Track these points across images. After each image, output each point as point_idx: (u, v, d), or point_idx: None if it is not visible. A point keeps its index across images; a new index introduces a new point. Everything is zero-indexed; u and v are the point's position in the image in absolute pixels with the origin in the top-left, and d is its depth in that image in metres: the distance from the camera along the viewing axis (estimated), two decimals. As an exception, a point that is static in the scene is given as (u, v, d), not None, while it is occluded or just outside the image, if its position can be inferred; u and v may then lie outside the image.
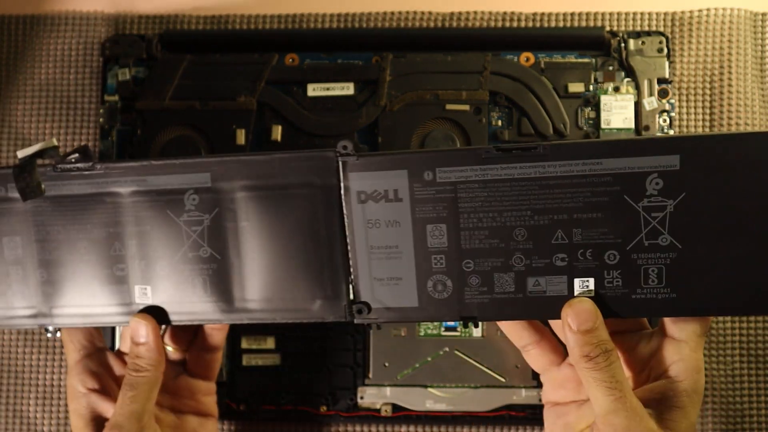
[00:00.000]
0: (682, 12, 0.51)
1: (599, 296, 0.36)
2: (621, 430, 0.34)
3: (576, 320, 0.35)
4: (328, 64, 0.50)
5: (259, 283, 0.39)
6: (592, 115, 0.48)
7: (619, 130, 0.48)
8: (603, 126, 0.48)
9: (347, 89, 0.49)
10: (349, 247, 0.38)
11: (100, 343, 0.43)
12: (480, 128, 0.47)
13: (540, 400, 0.47)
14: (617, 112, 0.48)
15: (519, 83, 0.48)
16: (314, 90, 0.49)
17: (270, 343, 0.49)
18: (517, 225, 0.36)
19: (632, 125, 0.48)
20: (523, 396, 0.47)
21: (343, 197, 0.37)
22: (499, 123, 0.48)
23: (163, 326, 0.41)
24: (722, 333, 0.49)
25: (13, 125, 0.52)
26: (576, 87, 0.48)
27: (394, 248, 0.37)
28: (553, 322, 0.40)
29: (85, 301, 0.40)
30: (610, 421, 0.34)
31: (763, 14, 0.51)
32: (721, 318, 0.49)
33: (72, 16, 0.53)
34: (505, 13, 0.51)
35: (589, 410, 0.38)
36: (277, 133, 0.48)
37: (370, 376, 0.48)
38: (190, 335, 0.44)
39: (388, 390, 0.48)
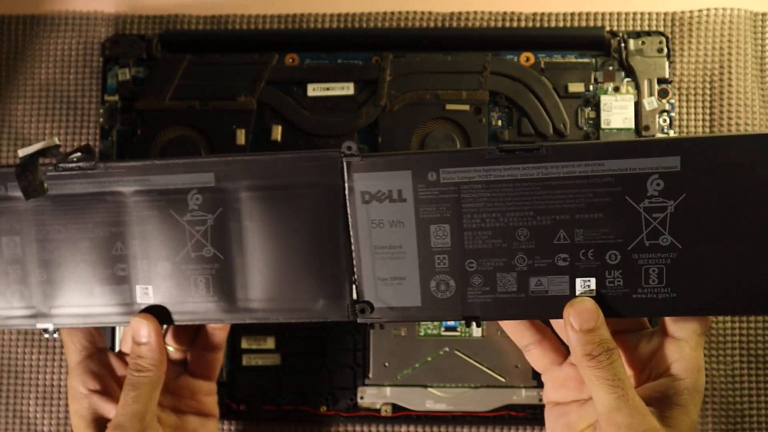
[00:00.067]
0: (682, 12, 0.51)
1: (600, 296, 0.36)
2: (624, 428, 0.34)
3: (578, 319, 0.35)
4: (328, 64, 0.49)
5: (262, 283, 0.39)
6: (592, 115, 0.48)
7: (619, 130, 0.48)
8: (603, 126, 0.48)
9: (347, 89, 0.49)
10: (352, 247, 0.38)
11: (100, 344, 0.43)
12: (480, 128, 0.47)
13: (540, 400, 0.47)
14: (617, 112, 0.48)
15: (519, 83, 0.48)
16: (314, 90, 0.49)
17: (270, 343, 0.49)
18: (520, 225, 0.36)
19: (632, 125, 0.48)
20: (523, 396, 0.47)
21: (347, 197, 0.37)
22: (499, 123, 0.48)
23: (164, 326, 0.41)
24: (722, 333, 0.49)
25: (13, 125, 0.52)
26: (576, 87, 0.48)
27: (397, 248, 0.37)
28: (554, 322, 0.40)
29: (86, 301, 0.40)
30: (613, 418, 0.34)
31: (763, 14, 0.51)
32: (721, 318, 0.49)
33: (72, 16, 0.53)
34: (505, 13, 0.51)
35: (591, 409, 0.39)
36: (277, 133, 0.48)
37: (370, 376, 0.48)
38: (191, 335, 0.44)
39: (388, 390, 0.48)
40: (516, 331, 0.40)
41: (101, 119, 0.49)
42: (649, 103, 0.48)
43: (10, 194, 0.40)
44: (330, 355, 0.49)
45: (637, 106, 0.48)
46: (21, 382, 0.51)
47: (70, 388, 0.41)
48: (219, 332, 0.44)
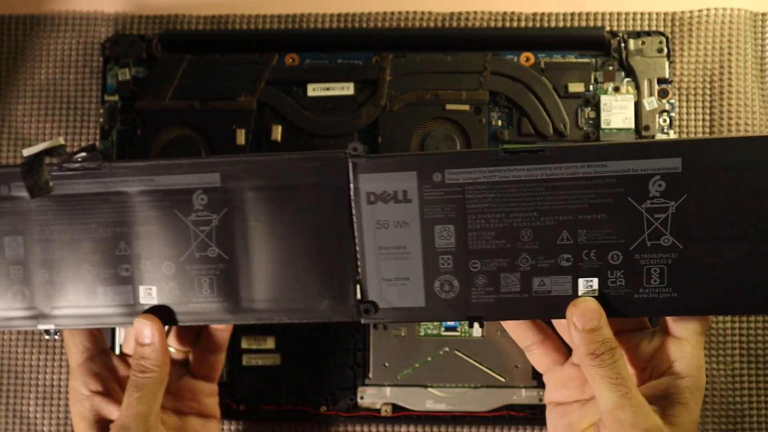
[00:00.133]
0: (682, 12, 0.51)
1: (603, 296, 0.37)
2: (628, 425, 0.34)
3: (581, 319, 0.36)
4: (328, 64, 0.49)
5: (266, 283, 0.39)
6: (592, 115, 0.48)
7: (619, 130, 0.48)
8: (603, 126, 0.48)
9: (347, 89, 0.49)
10: (357, 248, 0.38)
11: (103, 345, 0.42)
12: (480, 128, 0.47)
13: (540, 400, 0.47)
14: (617, 112, 0.48)
15: (519, 83, 0.48)
16: (314, 90, 0.49)
17: (270, 343, 0.49)
18: (524, 226, 0.37)
19: (632, 125, 0.48)
20: (523, 396, 0.47)
21: (352, 198, 0.38)
22: (499, 123, 0.48)
23: (167, 327, 0.40)
24: (722, 333, 0.49)
25: (13, 125, 0.52)
26: (576, 87, 0.48)
27: (402, 248, 0.38)
28: (557, 322, 0.40)
29: (88, 301, 0.40)
30: (617, 416, 0.35)
31: (763, 14, 0.51)
32: (721, 318, 0.49)
33: (72, 16, 0.53)
34: (505, 13, 0.51)
35: (592, 409, 0.39)
36: (277, 133, 0.48)
37: (370, 376, 0.48)
38: (194, 336, 0.44)
39: (388, 390, 0.48)
40: (519, 331, 0.40)
41: (101, 119, 0.49)
42: (649, 103, 0.48)
43: (14, 194, 0.40)
44: (330, 355, 0.48)
45: (637, 106, 0.48)
46: (21, 382, 0.51)
47: (72, 390, 0.41)
48: (221, 333, 0.43)
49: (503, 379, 0.47)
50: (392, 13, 0.51)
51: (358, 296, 0.38)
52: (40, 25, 0.53)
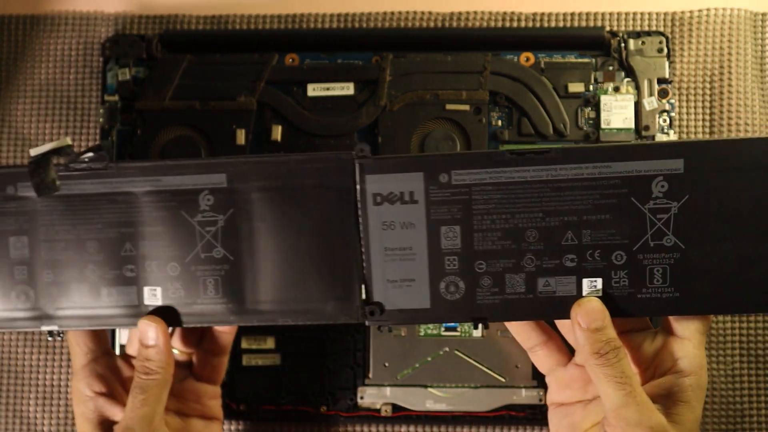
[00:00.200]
0: (682, 12, 0.50)
1: (607, 296, 0.37)
2: (633, 423, 0.35)
3: (586, 319, 0.36)
4: (328, 64, 0.49)
5: (271, 284, 0.38)
6: (592, 115, 0.48)
7: (619, 130, 0.48)
8: (603, 126, 0.48)
9: (347, 89, 0.49)
10: (363, 249, 0.38)
11: (106, 346, 0.42)
12: (480, 128, 0.47)
13: (540, 400, 0.47)
14: (617, 112, 0.48)
15: (519, 83, 0.48)
16: (314, 90, 0.49)
17: (270, 343, 0.49)
18: (529, 226, 0.37)
19: (632, 125, 0.47)
20: (523, 396, 0.47)
21: (359, 199, 0.37)
22: (499, 123, 0.48)
23: (171, 328, 0.40)
24: (722, 333, 0.49)
25: (13, 125, 0.52)
26: (576, 87, 0.48)
27: (407, 249, 0.38)
28: (560, 323, 0.40)
29: (93, 302, 0.39)
30: (621, 414, 0.35)
31: (763, 14, 0.51)
32: (721, 318, 0.49)
33: (72, 16, 0.53)
34: (505, 13, 0.51)
35: (595, 409, 0.39)
36: (277, 133, 0.48)
37: (370, 376, 0.48)
38: (197, 338, 0.44)
39: (388, 390, 0.48)
40: (523, 332, 0.40)
41: (101, 119, 0.49)
42: (649, 103, 0.48)
43: (20, 194, 0.39)
44: (330, 355, 0.48)
45: (637, 106, 0.48)
46: (21, 382, 0.51)
47: (75, 391, 0.41)
48: (225, 336, 0.43)
49: (503, 379, 0.47)
50: (392, 13, 0.51)
51: (363, 297, 0.38)
52: (40, 25, 0.53)
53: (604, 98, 0.48)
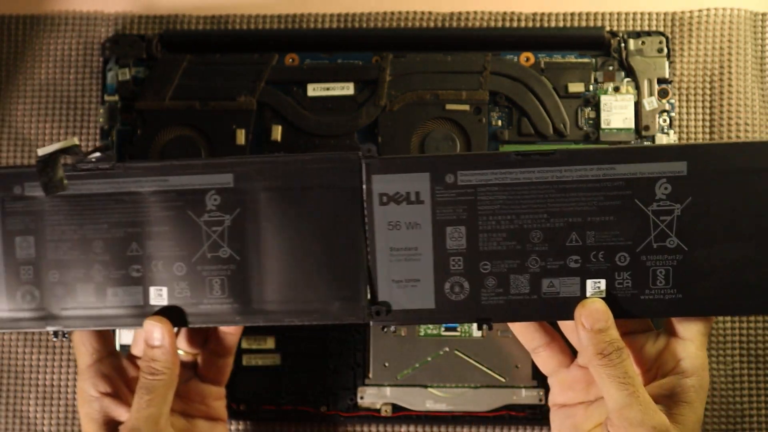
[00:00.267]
0: (682, 12, 0.50)
1: (610, 297, 0.37)
2: (636, 423, 0.35)
3: (589, 320, 0.36)
4: (328, 64, 0.49)
5: (277, 285, 0.38)
6: (592, 115, 0.48)
7: (619, 130, 0.48)
8: (603, 126, 0.48)
9: (347, 89, 0.48)
10: (369, 249, 0.38)
11: (112, 347, 0.42)
12: (480, 128, 0.47)
13: (540, 400, 0.46)
14: (617, 112, 0.48)
15: (519, 83, 0.48)
16: (314, 90, 0.48)
17: (270, 343, 0.48)
18: (534, 227, 0.37)
19: (632, 125, 0.47)
20: (523, 396, 0.47)
21: (365, 199, 0.37)
22: (499, 123, 0.48)
23: (176, 328, 0.40)
24: (722, 333, 0.49)
25: (13, 125, 0.52)
26: (576, 87, 0.48)
27: (413, 250, 0.38)
28: (563, 324, 0.40)
29: (98, 303, 0.39)
30: (624, 414, 0.35)
31: (763, 14, 0.50)
32: (721, 318, 0.48)
33: (72, 16, 0.52)
34: (505, 13, 0.51)
35: (597, 410, 0.39)
36: (277, 133, 0.48)
37: (370, 376, 0.47)
38: (203, 338, 0.44)
39: (388, 390, 0.48)
40: (526, 333, 0.40)
41: (101, 119, 0.49)
42: (649, 103, 0.48)
43: (27, 194, 0.39)
44: (330, 355, 0.48)
45: (637, 106, 0.47)
46: (21, 382, 0.50)
47: (81, 391, 0.40)
48: (230, 337, 0.43)
49: (503, 379, 0.47)
50: (392, 13, 0.51)
51: (369, 298, 0.38)
52: (40, 25, 0.52)
53: (604, 98, 0.48)
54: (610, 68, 0.48)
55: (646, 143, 0.47)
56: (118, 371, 0.41)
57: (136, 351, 0.43)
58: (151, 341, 0.39)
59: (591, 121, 0.47)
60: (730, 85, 0.49)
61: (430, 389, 0.47)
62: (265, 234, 0.38)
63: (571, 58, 0.48)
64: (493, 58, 0.48)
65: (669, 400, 0.36)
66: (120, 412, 0.40)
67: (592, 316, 0.36)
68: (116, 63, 0.49)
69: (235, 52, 0.49)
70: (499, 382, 0.47)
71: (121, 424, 0.39)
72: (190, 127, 0.48)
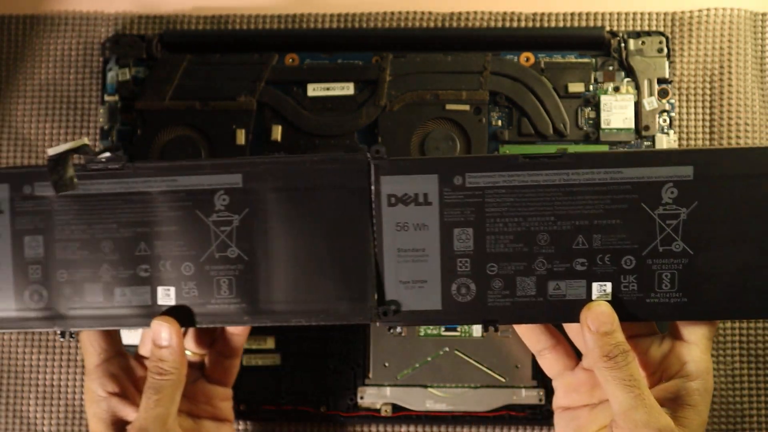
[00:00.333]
0: (682, 12, 0.50)
1: (616, 300, 0.37)
2: (641, 425, 0.34)
3: (595, 322, 0.36)
4: (328, 64, 0.49)
5: (285, 285, 0.38)
6: (592, 115, 0.48)
7: (619, 130, 0.48)
8: (603, 126, 0.48)
9: (347, 89, 0.48)
10: (376, 250, 0.38)
11: (119, 347, 0.41)
12: (480, 128, 0.47)
13: (540, 400, 0.46)
14: (617, 112, 0.48)
15: (519, 83, 0.47)
16: (314, 90, 0.48)
17: (270, 343, 0.48)
18: (541, 230, 0.37)
19: (632, 125, 0.47)
20: (523, 396, 0.47)
21: (373, 200, 0.37)
22: (499, 123, 0.48)
23: (183, 329, 0.39)
24: (722, 333, 0.48)
25: (13, 125, 0.52)
26: (576, 87, 0.47)
27: (420, 251, 0.38)
28: (568, 326, 0.40)
29: (106, 302, 0.39)
30: (630, 417, 0.35)
31: (763, 14, 0.50)
32: (721, 318, 0.49)
33: (72, 16, 0.52)
34: (505, 13, 0.51)
35: (601, 413, 0.39)
36: (277, 133, 0.48)
37: (370, 376, 0.47)
38: (210, 339, 0.43)
39: (388, 390, 0.47)
40: (532, 335, 0.40)
41: (101, 119, 0.49)
42: (649, 103, 0.48)
43: (37, 194, 0.39)
44: (330, 355, 0.48)
45: (637, 106, 0.47)
46: (21, 382, 0.50)
47: (88, 391, 0.40)
48: (237, 338, 0.43)
49: (503, 379, 0.47)
50: (392, 13, 0.51)
51: (376, 298, 0.38)
52: (40, 25, 0.52)
53: (604, 98, 0.47)
54: (610, 68, 0.48)
55: (646, 145, 0.47)
56: (126, 371, 0.41)
57: (144, 351, 0.42)
58: (158, 341, 0.39)
59: (591, 121, 0.47)
60: (730, 85, 0.49)
61: (430, 389, 0.47)
62: (273, 234, 0.38)
63: (571, 58, 0.48)
64: (493, 58, 0.48)
65: (674, 403, 0.36)
66: (128, 412, 0.40)
67: (598, 318, 0.36)
68: (116, 63, 0.49)
69: (235, 52, 0.49)
70: (499, 382, 0.47)
71: (129, 424, 0.39)
72: (190, 127, 0.47)
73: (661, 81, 0.47)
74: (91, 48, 0.52)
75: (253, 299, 0.38)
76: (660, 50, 0.47)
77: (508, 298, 0.37)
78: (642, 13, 0.50)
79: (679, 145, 0.49)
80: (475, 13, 0.51)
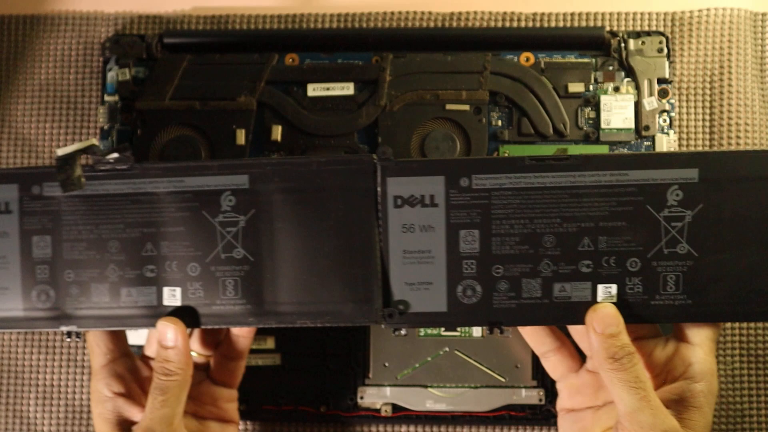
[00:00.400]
0: (682, 12, 0.50)
1: (621, 302, 0.37)
2: (647, 427, 0.34)
3: (601, 324, 0.36)
4: (328, 64, 0.49)
5: (290, 286, 0.38)
6: (592, 115, 0.47)
7: (619, 130, 0.47)
8: (603, 126, 0.47)
9: (347, 89, 0.48)
10: (382, 251, 0.37)
11: (125, 347, 0.41)
12: (480, 128, 0.47)
13: (540, 400, 0.46)
14: (617, 112, 0.48)
15: (519, 83, 0.47)
16: (314, 90, 0.48)
17: (270, 343, 0.48)
18: (547, 232, 0.37)
19: (632, 125, 0.47)
20: (523, 396, 0.47)
21: (379, 201, 0.37)
22: (499, 123, 0.48)
23: (189, 330, 0.39)
24: (723, 333, 0.48)
25: (13, 125, 0.52)
26: (576, 87, 0.47)
27: (426, 253, 0.38)
28: (573, 328, 0.40)
29: (112, 303, 0.39)
30: (636, 418, 0.35)
31: (763, 14, 0.50)
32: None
33: (72, 16, 0.52)
34: (505, 13, 0.51)
35: (605, 415, 0.39)
36: (277, 133, 0.48)
37: (370, 376, 0.47)
38: (216, 340, 0.43)
39: (388, 390, 0.47)
40: (537, 337, 0.40)
41: (101, 119, 0.49)
42: (649, 103, 0.47)
43: (45, 194, 0.39)
44: (330, 355, 0.48)
45: (637, 106, 0.47)
46: (21, 382, 0.50)
47: (94, 391, 0.40)
48: (243, 340, 0.42)
49: (503, 379, 0.47)
50: (392, 13, 0.51)
51: (382, 300, 0.38)
52: (40, 25, 0.52)
53: (604, 98, 0.47)
54: (610, 68, 0.48)
55: (646, 145, 0.47)
56: (132, 372, 0.41)
57: (150, 352, 0.42)
58: (164, 342, 0.38)
59: (591, 121, 0.47)
60: (730, 85, 0.49)
61: (430, 389, 0.47)
62: (279, 235, 0.38)
63: (571, 58, 0.48)
64: (493, 58, 0.47)
65: (678, 405, 0.36)
66: (133, 413, 0.40)
67: (603, 320, 0.36)
68: (116, 63, 0.49)
69: (235, 52, 0.48)
70: (499, 382, 0.47)
71: (135, 425, 0.39)
72: (190, 127, 0.47)
73: (661, 81, 0.47)
74: (91, 48, 0.52)
75: (258, 300, 0.38)
76: (660, 50, 0.47)
77: (513, 300, 0.37)
78: (642, 13, 0.50)
79: (679, 145, 0.49)
80: (475, 13, 0.50)
